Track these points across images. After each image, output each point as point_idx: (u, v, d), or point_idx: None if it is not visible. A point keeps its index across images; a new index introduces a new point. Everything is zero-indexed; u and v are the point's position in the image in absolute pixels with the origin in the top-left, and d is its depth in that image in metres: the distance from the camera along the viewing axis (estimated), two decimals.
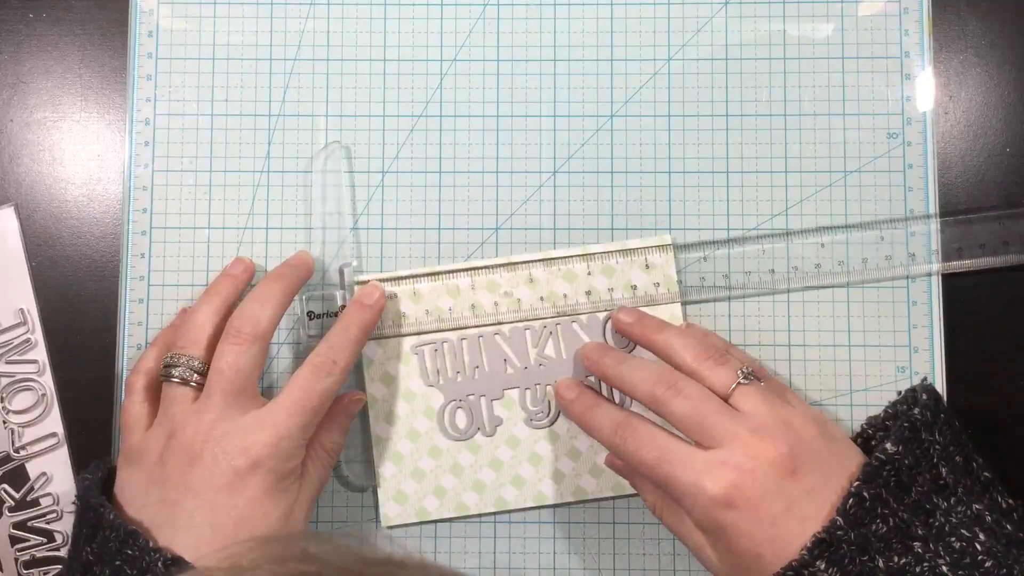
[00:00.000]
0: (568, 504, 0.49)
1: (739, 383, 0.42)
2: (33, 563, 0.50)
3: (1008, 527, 0.40)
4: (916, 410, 0.41)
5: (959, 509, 0.39)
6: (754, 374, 0.43)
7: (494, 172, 0.50)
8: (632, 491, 0.47)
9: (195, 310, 0.46)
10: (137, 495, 0.43)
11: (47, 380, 0.50)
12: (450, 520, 0.49)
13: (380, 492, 0.48)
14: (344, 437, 0.47)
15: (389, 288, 0.48)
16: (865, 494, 0.39)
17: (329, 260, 0.50)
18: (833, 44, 0.50)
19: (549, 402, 0.48)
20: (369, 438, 0.49)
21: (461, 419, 0.48)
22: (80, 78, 0.52)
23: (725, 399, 0.42)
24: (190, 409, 0.43)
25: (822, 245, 0.49)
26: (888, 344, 0.49)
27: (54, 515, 0.50)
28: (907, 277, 0.49)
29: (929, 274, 0.49)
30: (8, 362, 0.50)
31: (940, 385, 0.48)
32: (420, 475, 0.48)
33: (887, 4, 0.50)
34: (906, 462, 0.40)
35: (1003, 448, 0.48)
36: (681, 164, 0.50)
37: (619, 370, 0.44)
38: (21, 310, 0.50)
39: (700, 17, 0.51)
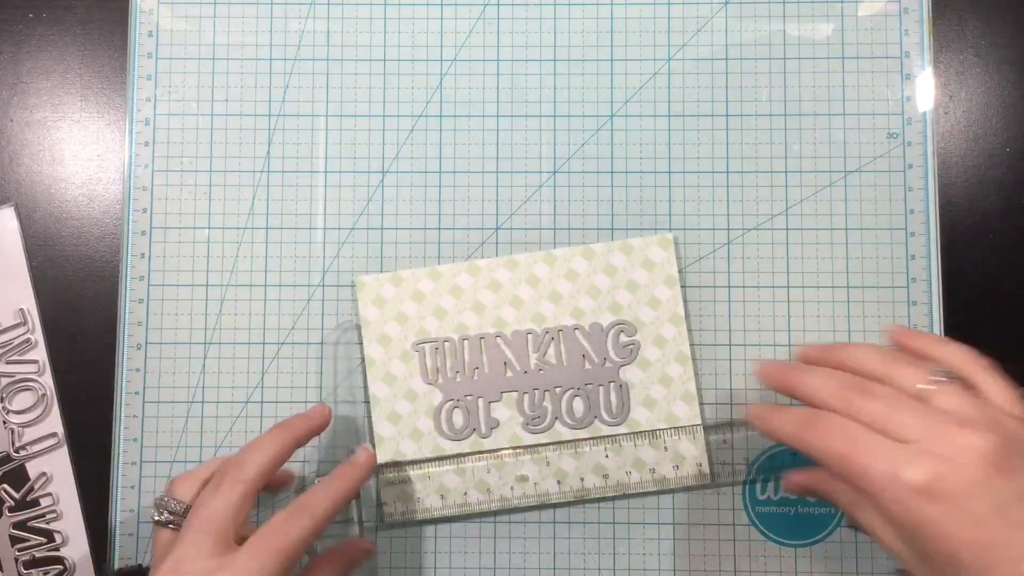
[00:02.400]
0: (570, 504, 0.49)
1: (936, 380, 0.37)
2: (33, 563, 0.50)
3: None
4: None
5: None
6: (952, 373, 0.38)
7: (494, 172, 0.50)
8: (633, 491, 0.47)
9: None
10: None
11: (47, 380, 0.50)
12: (451, 520, 0.49)
13: (383, 491, 0.48)
14: None
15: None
16: None
17: (339, 440, 0.49)
18: (833, 44, 0.50)
19: (547, 407, 0.48)
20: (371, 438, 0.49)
21: (458, 418, 0.48)
22: (80, 78, 0.52)
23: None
24: (167, 551, 0.41)
25: (821, 243, 0.49)
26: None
27: (54, 515, 0.50)
28: (906, 273, 0.49)
29: (928, 259, 0.49)
30: (8, 362, 0.50)
31: None
32: (424, 474, 0.48)
33: (887, 4, 0.50)
34: None
35: None
36: (681, 164, 0.50)
37: (800, 377, 0.40)
38: (21, 310, 0.50)
39: (700, 17, 0.51)
